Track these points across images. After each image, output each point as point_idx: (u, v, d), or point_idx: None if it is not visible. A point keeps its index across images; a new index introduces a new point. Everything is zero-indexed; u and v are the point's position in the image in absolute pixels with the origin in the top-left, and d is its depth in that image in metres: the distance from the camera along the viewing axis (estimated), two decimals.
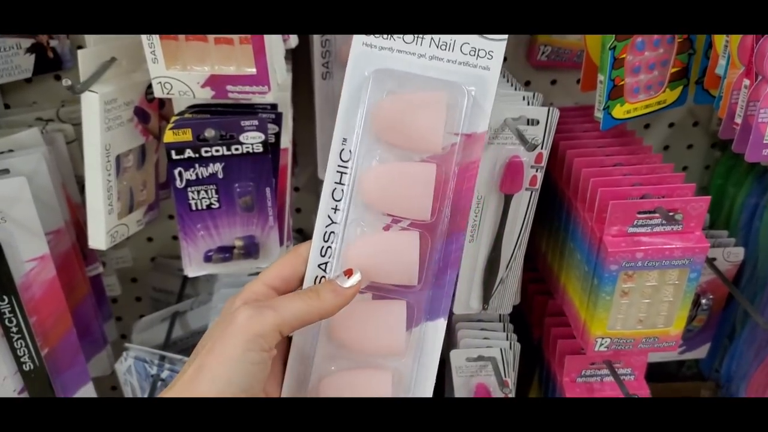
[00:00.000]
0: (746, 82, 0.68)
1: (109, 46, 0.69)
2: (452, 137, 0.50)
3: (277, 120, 0.68)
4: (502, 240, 0.77)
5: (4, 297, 0.72)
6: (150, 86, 0.64)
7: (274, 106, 0.68)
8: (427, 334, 0.53)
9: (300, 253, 0.52)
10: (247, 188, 0.68)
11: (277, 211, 0.71)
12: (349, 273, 0.50)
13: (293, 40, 0.68)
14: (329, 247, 0.52)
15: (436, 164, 0.50)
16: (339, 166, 0.51)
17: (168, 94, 0.63)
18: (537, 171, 0.73)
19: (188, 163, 0.66)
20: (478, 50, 0.49)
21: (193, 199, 0.68)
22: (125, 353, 0.88)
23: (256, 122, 0.65)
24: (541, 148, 0.72)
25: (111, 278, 1.02)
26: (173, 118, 0.65)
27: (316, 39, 0.77)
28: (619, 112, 0.76)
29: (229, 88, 0.63)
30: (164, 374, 0.86)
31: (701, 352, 1.03)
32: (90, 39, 0.71)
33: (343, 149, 0.51)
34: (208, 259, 0.71)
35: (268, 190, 0.69)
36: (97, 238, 0.72)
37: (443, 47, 0.49)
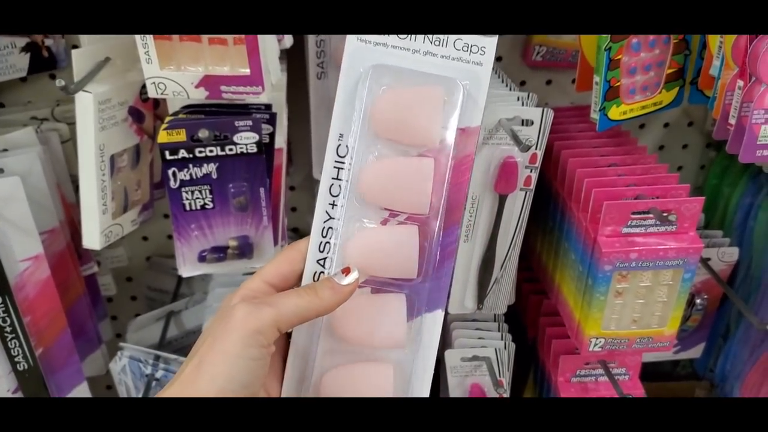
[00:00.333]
0: (740, 83, 0.68)
1: (104, 46, 0.69)
2: (448, 131, 0.51)
3: (272, 120, 0.68)
4: (497, 240, 0.77)
5: None
6: (144, 86, 0.64)
7: (268, 107, 0.68)
8: (425, 325, 0.54)
9: (298, 250, 0.52)
10: (241, 188, 0.68)
11: (271, 211, 0.70)
12: (346, 271, 0.50)
13: (288, 41, 0.68)
14: (327, 242, 0.52)
15: (433, 158, 0.51)
16: (336, 161, 0.51)
17: (162, 94, 0.63)
18: (531, 171, 0.73)
19: (182, 164, 0.66)
20: (471, 46, 0.50)
21: (187, 199, 0.68)
22: (120, 353, 0.88)
23: (250, 122, 0.65)
24: (536, 149, 0.72)
25: (106, 278, 1.02)
26: (167, 119, 0.65)
27: (311, 39, 0.77)
28: (615, 113, 0.76)
29: (223, 88, 0.63)
30: (159, 374, 0.86)
31: (696, 352, 1.03)
32: (84, 38, 0.71)
33: (339, 145, 0.51)
34: (202, 259, 0.71)
35: (262, 190, 0.69)
36: (91, 238, 0.72)
37: (437, 43, 0.50)
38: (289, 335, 0.53)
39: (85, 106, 0.66)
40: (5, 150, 0.77)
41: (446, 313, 0.85)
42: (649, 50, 0.74)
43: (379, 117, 0.51)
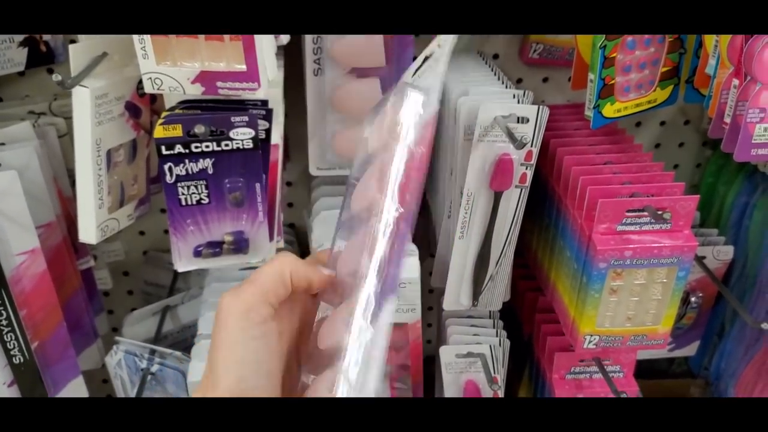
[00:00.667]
0: (735, 81, 0.68)
1: (101, 41, 0.69)
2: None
3: (268, 116, 0.68)
4: (492, 237, 0.77)
5: None
6: (141, 81, 0.64)
7: (264, 103, 0.68)
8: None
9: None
10: (236, 184, 0.68)
11: (267, 207, 0.71)
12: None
13: (285, 37, 0.68)
14: None
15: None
16: None
17: (158, 89, 0.63)
18: (527, 168, 0.73)
19: (178, 159, 0.66)
20: None
21: (183, 194, 0.68)
22: (115, 347, 0.88)
23: (246, 118, 0.65)
24: (531, 146, 0.72)
25: (102, 272, 1.02)
26: (164, 114, 0.65)
27: (308, 36, 0.77)
28: (609, 110, 0.76)
29: (219, 84, 0.63)
30: (154, 368, 0.86)
31: (690, 350, 1.03)
32: None
33: None
34: (197, 254, 0.71)
35: (257, 185, 0.69)
36: (87, 232, 0.72)
37: None
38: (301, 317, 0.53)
39: (82, 100, 0.66)
40: (2, 144, 0.77)
41: (441, 310, 0.86)
42: (644, 48, 0.75)
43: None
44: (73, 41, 0.76)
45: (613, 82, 0.74)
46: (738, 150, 0.69)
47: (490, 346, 0.84)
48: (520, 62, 0.97)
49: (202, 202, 0.69)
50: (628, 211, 0.72)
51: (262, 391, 0.46)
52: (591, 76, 0.74)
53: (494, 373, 0.85)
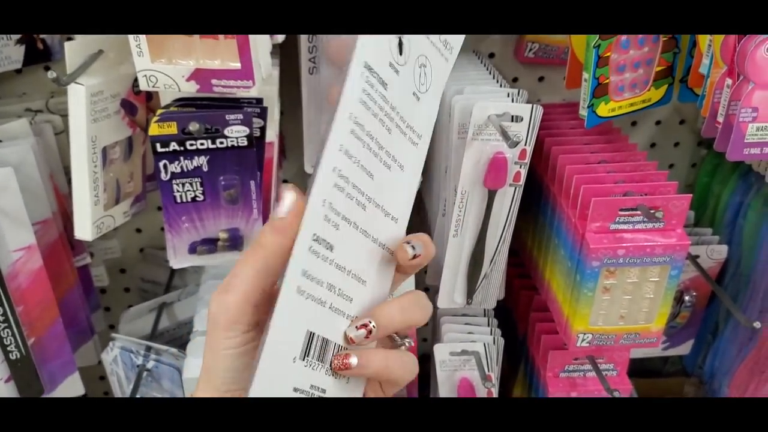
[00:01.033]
0: (728, 81, 0.68)
1: (97, 39, 0.69)
2: None
3: (262, 114, 0.68)
4: (486, 235, 0.77)
5: None
6: (137, 79, 0.65)
7: (259, 101, 0.69)
8: None
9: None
10: (231, 181, 0.69)
11: (261, 204, 0.71)
12: (280, 197, 0.42)
13: (280, 36, 0.69)
14: None
15: None
16: None
17: (153, 87, 0.64)
18: (521, 167, 0.74)
19: (173, 156, 0.66)
20: None
21: (178, 191, 0.68)
22: (111, 343, 0.88)
23: (240, 116, 0.66)
24: (525, 145, 0.72)
25: (99, 269, 1.03)
26: (159, 111, 0.66)
27: (303, 34, 0.77)
28: (603, 110, 0.77)
29: (213, 82, 0.63)
30: (150, 364, 0.86)
31: (684, 349, 1.04)
32: None
33: None
34: (192, 250, 0.72)
35: (252, 183, 0.69)
36: (83, 229, 0.72)
37: None
38: None
39: (77, 98, 0.66)
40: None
41: (436, 308, 0.86)
42: (638, 48, 0.75)
43: None
44: (70, 38, 0.76)
45: (607, 81, 0.75)
46: (730, 149, 0.69)
47: (485, 344, 0.85)
48: (516, 61, 0.98)
49: (197, 199, 0.69)
50: (621, 209, 0.73)
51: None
52: (585, 75, 0.74)
53: (488, 370, 0.85)
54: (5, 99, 0.90)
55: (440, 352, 0.85)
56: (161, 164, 0.67)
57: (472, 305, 0.83)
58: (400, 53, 0.44)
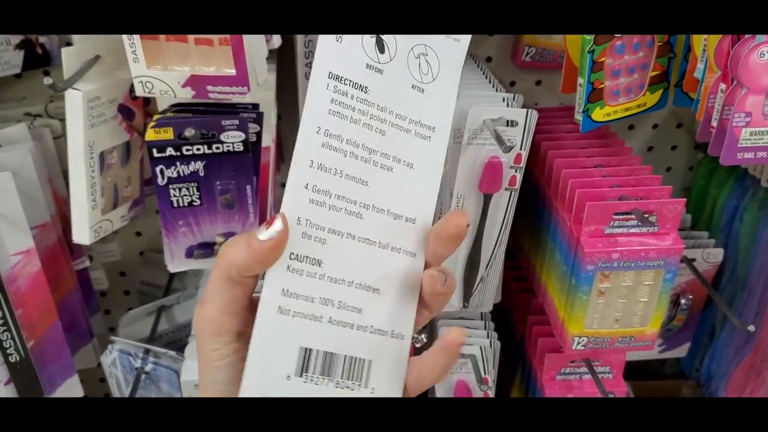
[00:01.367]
0: (722, 86, 0.68)
1: (94, 44, 0.70)
2: None
3: (258, 119, 0.69)
4: (482, 239, 0.78)
5: None
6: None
7: (255, 106, 0.69)
8: None
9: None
10: (227, 186, 0.69)
11: (258, 209, 0.71)
12: (270, 222, 0.40)
13: (276, 41, 0.69)
14: None
15: None
16: None
17: (149, 93, 0.64)
18: (516, 171, 0.74)
19: (170, 161, 0.67)
20: None
21: (175, 196, 0.69)
22: (110, 346, 0.89)
23: (236, 122, 0.66)
24: (520, 149, 0.72)
25: (98, 272, 1.03)
26: (155, 117, 0.66)
27: (300, 39, 0.77)
28: (598, 114, 0.77)
29: (209, 88, 0.64)
30: (148, 367, 0.87)
31: (681, 351, 1.04)
32: (76, 36, 0.72)
33: None
34: (189, 254, 0.72)
35: (248, 187, 0.70)
36: (81, 233, 0.73)
37: None
38: None
39: (75, 103, 0.67)
40: None
41: None
42: (633, 53, 0.75)
43: None
44: (69, 44, 0.77)
45: (602, 86, 0.75)
46: (724, 154, 0.69)
47: (481, 347, 0.85)
48: (513, 65, 0.98)
49: (194, 203, 0.70)
50: (616, 213, 0.73)
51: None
52: (580, 80, 0.74)
53: (484, 373, 0.85)
54: (4, 103, 0.91)
55: None
56: (158, 169, 0.67)
57: (468, 309, 0.83)
58: (381, 51, 0.44)
